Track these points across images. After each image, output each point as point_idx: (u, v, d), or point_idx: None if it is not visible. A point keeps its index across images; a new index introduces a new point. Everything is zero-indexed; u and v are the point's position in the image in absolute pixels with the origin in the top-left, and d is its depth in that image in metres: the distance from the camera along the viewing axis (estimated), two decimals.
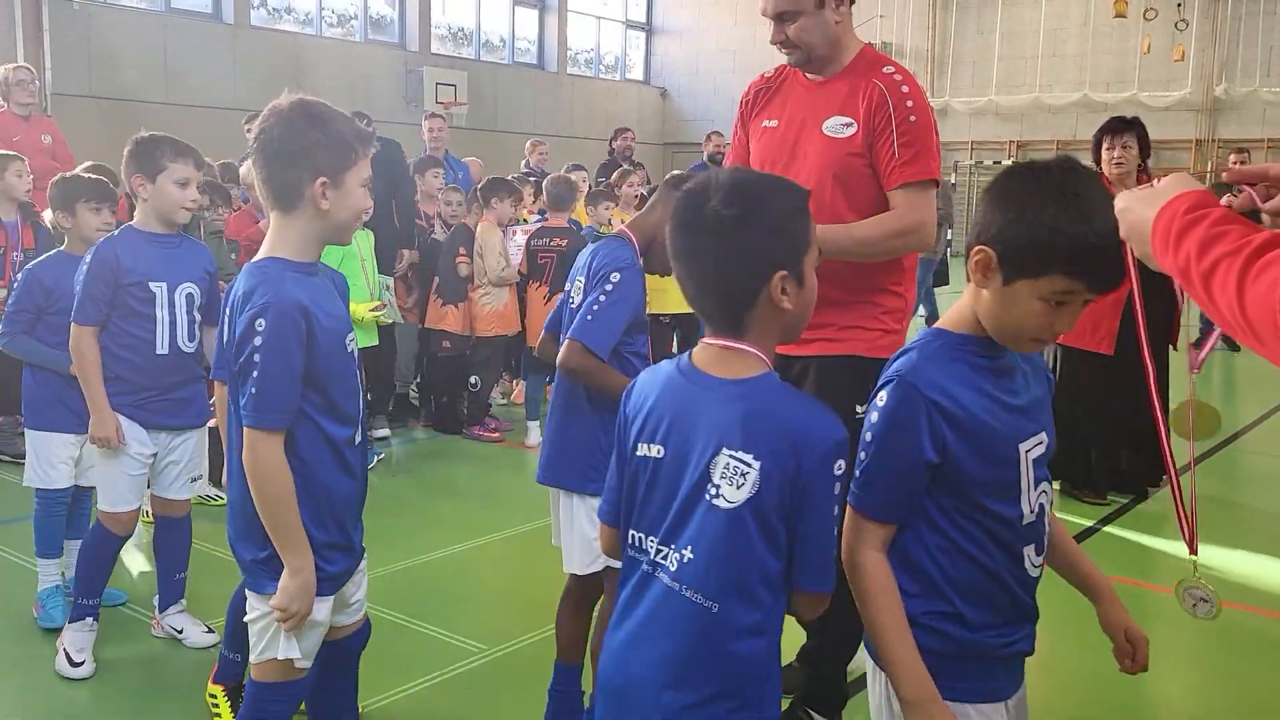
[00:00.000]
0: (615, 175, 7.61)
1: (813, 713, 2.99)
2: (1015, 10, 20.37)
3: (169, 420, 3.29)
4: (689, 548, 1.54)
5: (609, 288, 2.57)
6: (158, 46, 15.07)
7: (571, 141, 18.57)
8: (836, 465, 1.54)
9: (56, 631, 3.40)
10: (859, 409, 2.62)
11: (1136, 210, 1.32)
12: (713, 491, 1.52)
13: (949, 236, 17.11)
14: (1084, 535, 4.66)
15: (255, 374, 2.00)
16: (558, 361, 2.63)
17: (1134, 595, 4.02)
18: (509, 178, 6.86)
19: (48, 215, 5.70)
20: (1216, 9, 18.95)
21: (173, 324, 3.22)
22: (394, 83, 18.14)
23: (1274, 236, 1.08)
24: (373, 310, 5.46)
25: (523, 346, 6.66)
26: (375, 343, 5.62)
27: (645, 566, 1.60)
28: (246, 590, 2.18)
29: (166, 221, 3.21)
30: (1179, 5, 18.73)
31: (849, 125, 2.69)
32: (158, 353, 3.22)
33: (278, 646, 2.12)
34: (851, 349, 2.74)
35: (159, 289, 3.19)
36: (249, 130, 8.54)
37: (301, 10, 17.56)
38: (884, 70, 2.71)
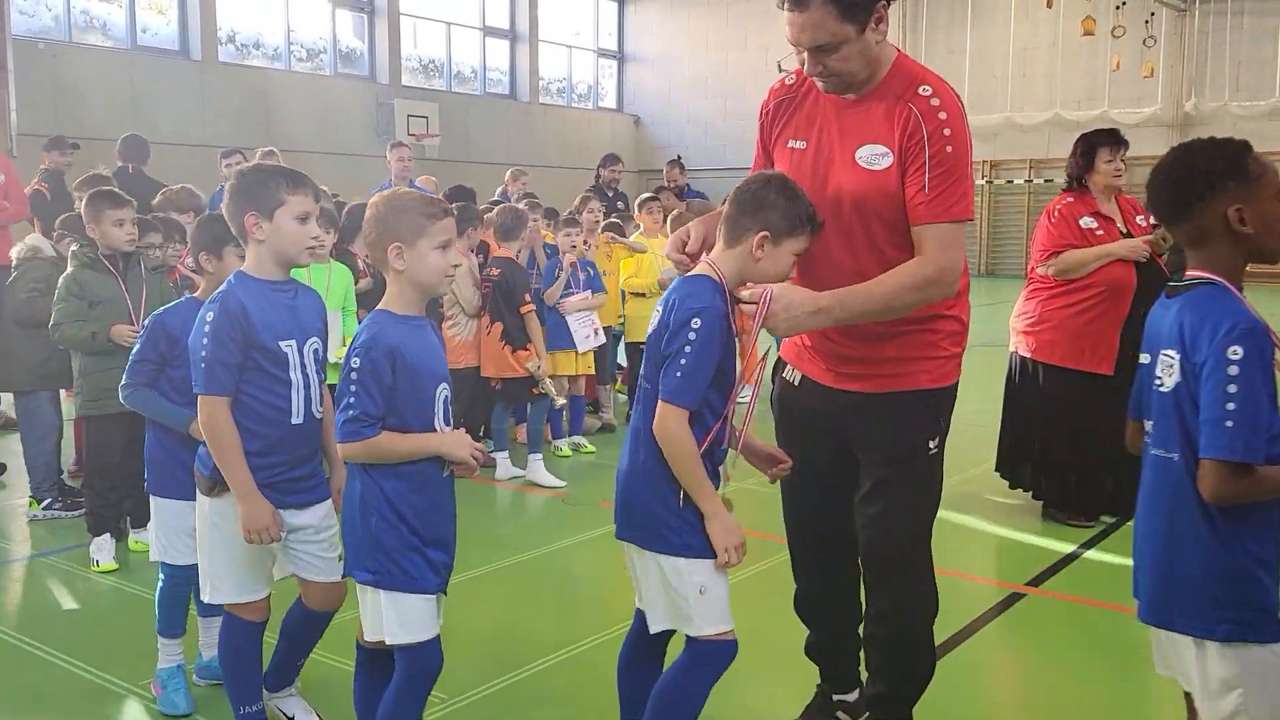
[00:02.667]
0: (577, 200, 7.51)
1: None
2: (985, 31, 20.49)
3: (299, 497, 2.82)
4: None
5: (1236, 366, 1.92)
6: (124, 84, 14.95)
7: (546, 170, 18.49)
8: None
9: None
10: (931, 444, 2.63)
11: None
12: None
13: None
14: (1065, 561, 4.54)
15: (684, 361, 2.35)
16: (1207, 496, 1.99)
17: (1117, 620, 3.90)
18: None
19: (16, 251, 5.55)
20: (1184, 25, 19.12)
21: (306, 386, 2.78)
22: (365, 116, 18.08)
23: None
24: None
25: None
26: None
27: None
28: (680, 562, 2.42)
29: (284, 265, 2.79)
30: (1146, 22, 18.89)
31: (885, 155, 2.43)
32: (293, 422, 2.76)
33: (724, 617, 2.46)
34: (915, 383, 2.59)
35: (289, 348, 2.75)
36: (226, 166, 8.46)
37: (270, 45, 17.49)
38: (920, 91, 2.42)
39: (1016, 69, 20.15)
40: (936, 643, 3.46)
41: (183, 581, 3.22)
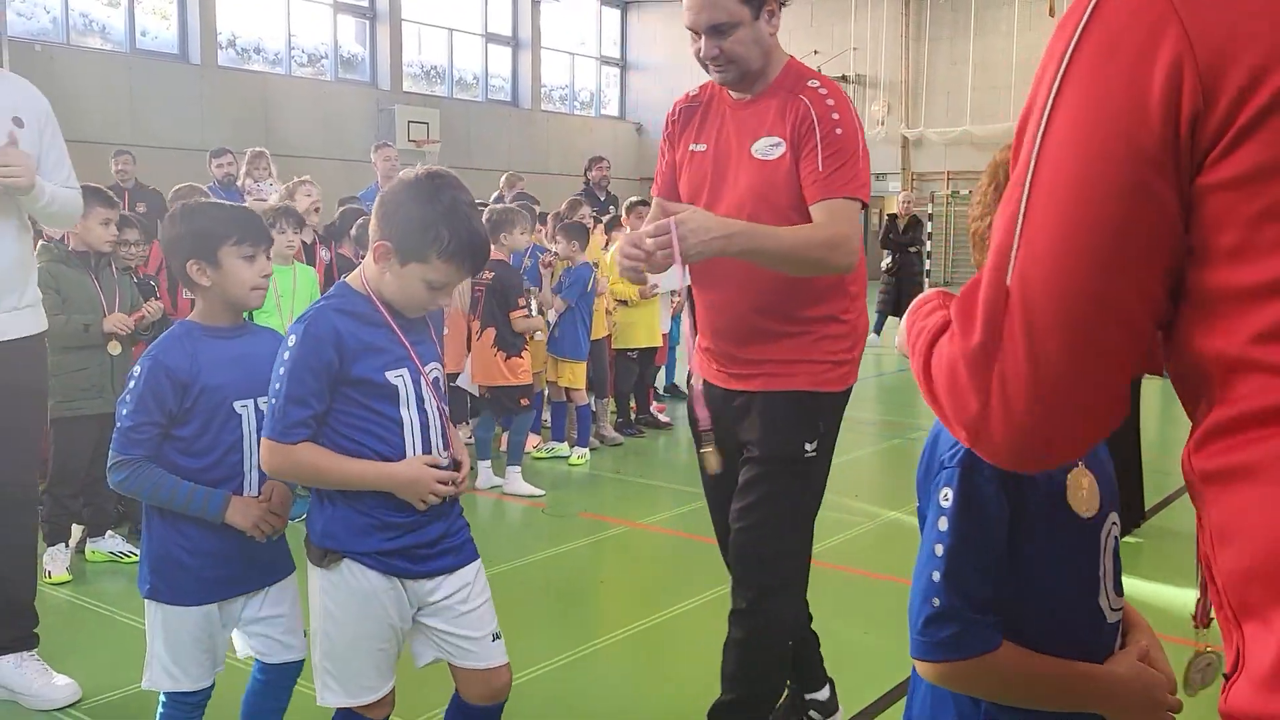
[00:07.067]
0: (565, 206, 7.41)
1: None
2: (987, 41, 20.43)
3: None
4: None
5: None
6: (122, 89, 14.91)
7: (546, 178, 18.45)
8: None
9: None
10: (808, 447, 2.58)
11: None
12: None
13: (928, 267, 17.02)
14: None
15: None
16: None
17: None
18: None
19: None
20: None
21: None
22: (365, 122, 18.02)
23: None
24: None
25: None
26: None
27: None
28: None
29: None
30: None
31: (777, 145, 2.51)
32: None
33: None
34: (794, 384, 2.59)
35: None
36: (217, 167, 8.35)
37: (271, 50, 17.45)
38: (809, 84, 2.53)
39: (1020, 79, 20.05)
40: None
41: (192, 708, 2.46)
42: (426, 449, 2.19)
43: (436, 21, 19.99)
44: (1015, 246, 0.89)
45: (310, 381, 2.08)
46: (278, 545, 2.48)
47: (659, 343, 7.47)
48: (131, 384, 2.32)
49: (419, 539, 2.20)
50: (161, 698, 2.45)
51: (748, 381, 2.63)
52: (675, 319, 8.29)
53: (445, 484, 2.19)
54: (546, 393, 6.74)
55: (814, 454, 2.60)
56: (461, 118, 19.82)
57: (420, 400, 2.19)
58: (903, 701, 3.19)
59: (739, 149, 2.58)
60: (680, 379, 9.01)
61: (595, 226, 7.36)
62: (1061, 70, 0.89)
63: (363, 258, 5.98)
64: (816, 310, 2.59)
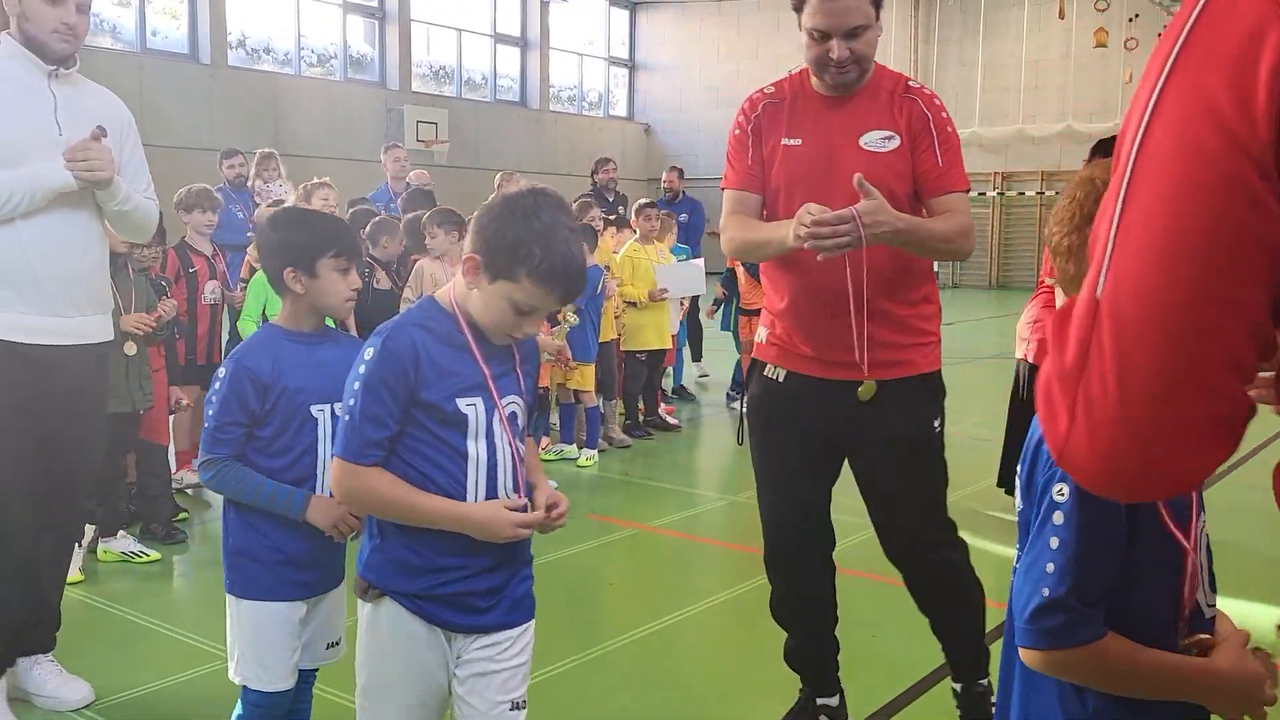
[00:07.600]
0: (575, 208, 7.42)
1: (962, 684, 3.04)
2: (997, 43, 20.40)
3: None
4: None
5: None
6: (133, 88, 14.92)
7: (554, 178, 18.45)
8: None
9: None
10: (935, 424, 2.81)
11: None
12: None
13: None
14: None
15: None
16: None
17: None
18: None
19: None
20: None
21: None
22: (374, 122, 18.07)
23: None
24: None
25: None
26: None
27: None
28: None
29: None
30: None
31: (891, 138, 2.69)
32: None
33: None
34: (916, 369, 2.77)
35: None
36: (228, 168, 8.35)
37: (280, 50, 17.51)
38: (912, 85, 2.76)
39: (1029, 81, 20.05)
40: (932, 667, 3.39)
41: (271, 709, 2.46)
42: (491, 486, 2.02)
43: (445, 22, 20.03)
44: (1108, 256, 0.86)
45: (387, 400, 1.95)
46: (340, 553, 2.47)
47: (668, 345, 7.49)
48: (216, 385, 2.38)
49: (472, 587, 2.02)
50: (240, 703, 2.46)
51: (862, 371, 2.72)
52: (683, 322, 8.32)
53: (526, 524, 2.02)
54: (555, 395, 6.76)
55: (939, 429, 2.82)
56: (470, 118, 19.86)
57: (490, 434, 2.02)
58: (908, 708, 3.20)
59: (844, 142, 2.70)
60: (688, 380, 9.03)
61: (604, 229, 7.37)
62: (1165, 73, 0.85)
63: (372, 256, 6.04)
64: (917, 293, 2.81)
